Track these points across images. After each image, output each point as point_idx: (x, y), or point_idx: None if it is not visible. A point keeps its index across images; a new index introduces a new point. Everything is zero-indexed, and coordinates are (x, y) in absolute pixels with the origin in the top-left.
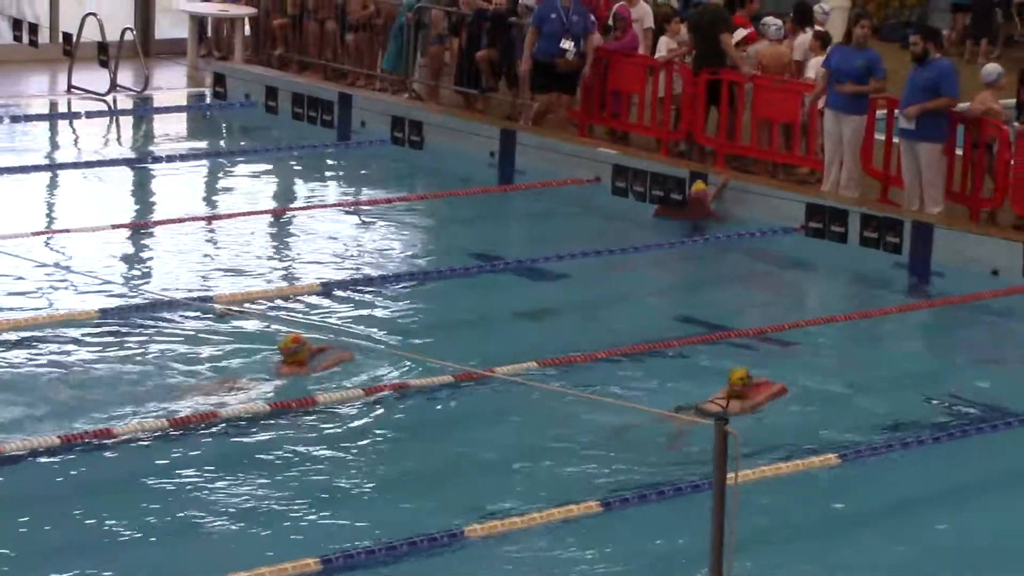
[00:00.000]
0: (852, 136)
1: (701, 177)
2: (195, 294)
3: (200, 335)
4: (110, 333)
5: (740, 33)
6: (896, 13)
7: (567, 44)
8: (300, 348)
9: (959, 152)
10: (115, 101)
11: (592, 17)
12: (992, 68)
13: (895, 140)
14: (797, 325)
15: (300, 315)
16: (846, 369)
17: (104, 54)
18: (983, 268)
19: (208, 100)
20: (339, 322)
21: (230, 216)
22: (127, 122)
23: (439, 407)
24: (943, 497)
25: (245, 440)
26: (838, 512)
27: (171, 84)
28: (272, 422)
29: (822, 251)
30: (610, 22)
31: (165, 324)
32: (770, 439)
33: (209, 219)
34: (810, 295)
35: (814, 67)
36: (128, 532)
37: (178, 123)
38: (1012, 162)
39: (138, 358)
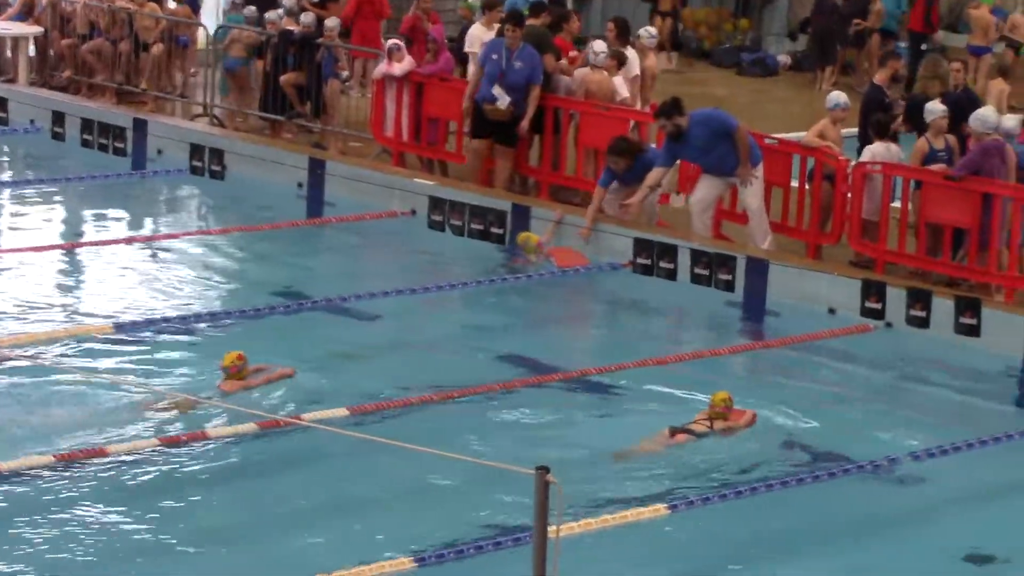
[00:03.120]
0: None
1: (523, 211)
2: None
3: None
4: None
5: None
6: (729, 37)
7: (498, 92)
8: (244, 365)
9: (794, 184)
10: None
11: (539, 67)
12: (835, 96)
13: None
14: (624, 367)
15: (90, 359)
16: (676, 414)
17: None
18: (820, 306)
19: None
20: (133, 366)
21: (13, 251)
22: None
23: (241, 458)
24: (776, 548)
25: (31, 493)
26: (667, 566)
27: None
28: (58, 474)
29: (651, 289)
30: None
31: None
32: (596, 489)
33: None
34: (638, 335)
35: (620, 86)
36: None
37: None
38: (849, 195)
39: None
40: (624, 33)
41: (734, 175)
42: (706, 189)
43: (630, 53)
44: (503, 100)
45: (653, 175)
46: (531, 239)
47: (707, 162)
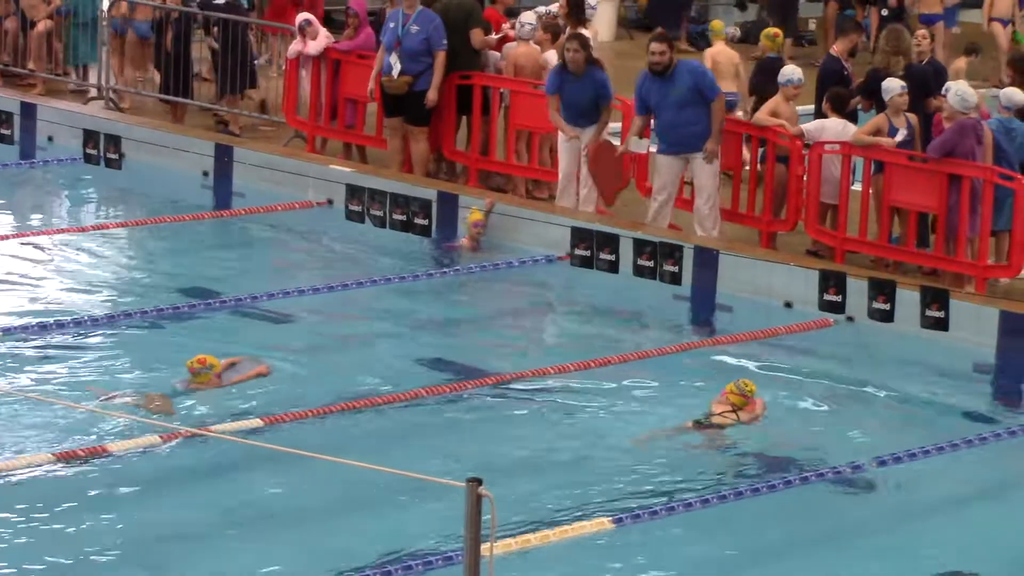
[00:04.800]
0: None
1: (450, 199)
2: None
3: None
4: None
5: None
6: None
7: (393, 61)
8: (206, 370)
9: (746, 166)
10: None
11: (439, 31)
12: (788, 70)
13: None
14: (564, 369)
15: None
16: (620, 420)
17: None
18: (775, 300)
19: None
20: (23, 373)
21: None
22: None
23: (144, 471)
24: (729, 564)
25: None
26: None
27: None
28: None
29: (591, 282)
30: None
31: None
32: (535, 502)
33: None
34: (578, 334)
35: (552, 59)
36: None
37: None
38: (805, 178)
39: None
40: (578, 10)
41: (694, 150)
42: (667, 174)
43: (590, 33)
44: (396, 69)
45: (632, 124)
46: (473, 213)
47: (675, 121)
